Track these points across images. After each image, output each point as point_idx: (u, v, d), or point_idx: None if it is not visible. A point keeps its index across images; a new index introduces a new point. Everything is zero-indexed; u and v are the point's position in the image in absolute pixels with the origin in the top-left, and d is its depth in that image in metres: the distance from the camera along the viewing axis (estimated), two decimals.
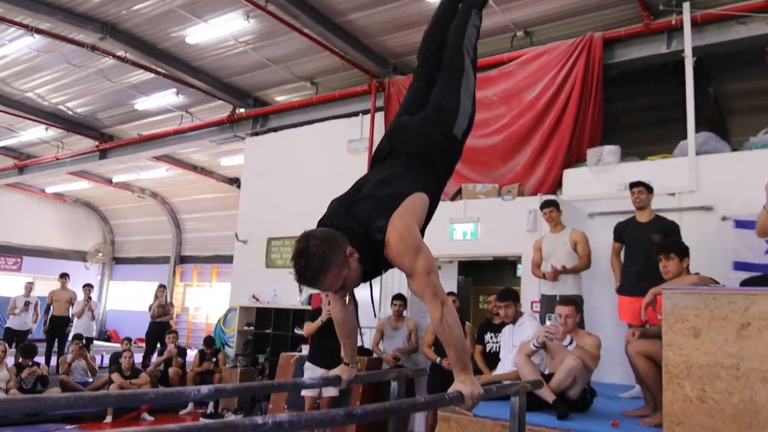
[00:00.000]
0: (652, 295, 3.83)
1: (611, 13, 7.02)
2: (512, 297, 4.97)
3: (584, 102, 6.99)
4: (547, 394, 3.87)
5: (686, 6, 6.39)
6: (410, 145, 2.40)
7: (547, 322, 4.03)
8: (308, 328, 6.10)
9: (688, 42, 6.32)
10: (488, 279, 9.44)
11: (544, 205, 5.82)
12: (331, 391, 5.63)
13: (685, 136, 6.35)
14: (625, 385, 5.35)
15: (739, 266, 5.43)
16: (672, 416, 3.24)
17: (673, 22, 6.54)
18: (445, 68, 2.65)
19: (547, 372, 4.32)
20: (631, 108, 8.35)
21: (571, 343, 4.00)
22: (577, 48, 7.01)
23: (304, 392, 5.90)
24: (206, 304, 17.62)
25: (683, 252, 3.98)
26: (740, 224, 5.56)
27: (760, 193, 3.96)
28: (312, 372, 5.79)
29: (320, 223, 2.13)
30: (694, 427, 3.16)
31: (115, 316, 19.57)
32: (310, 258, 1.91)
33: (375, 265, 2.10)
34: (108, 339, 18.01)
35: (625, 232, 5.41)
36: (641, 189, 5.31)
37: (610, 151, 6.70)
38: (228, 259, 15.82)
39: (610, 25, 7.07)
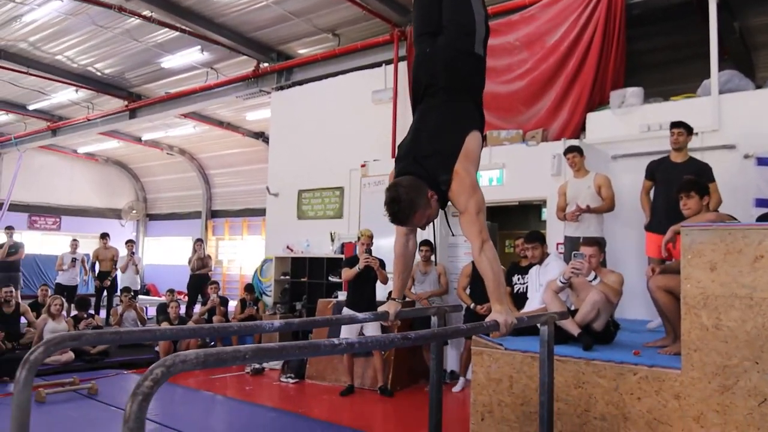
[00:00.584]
0: (672, 233, 4.04)
1: None
2: (539, 239, 5.21)
3: (607, 44, 7.03)
4: (572, 327, 4.16)
5: None
6: (445, 79, 2.59)
7: (573, 260, 4.27)
8: (346, 274, 6.46)
9: None
10: (514, 223, 9.68)
11: (568, 150, 5.97)
12: (370, 330, 6.02)
13: (709, 74, 6.39)
14: (648, 320, 5.61)
15: (761, 203, 5.58)
16: (690, 343, 3.51)
17: None
18: None
19: (573, 308, 4.60)
20: (655, 47, 8.29)
21: (595, 278, 4.26)
22: None
23: (343, 335, 6.33)
24: (239, 257, 18.24)
25: (703, 190, 4.16)
26: (762, 161, 5.68)
27: None
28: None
29: (398, 171, 2.49)
30: (710, 352, 3.42)
31: (152, 270, 20.36)
32: (402, 203, 2.32)
33: (443, 201, 2.50)
34: (147, 292, 18.81)
35: (657, 171, 5.52)
36: (681, 130, 5.38)
37: (633, 92, 6.78)
38: (258, 212, 16.34)
39: None
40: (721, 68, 6.42)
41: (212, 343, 8.90)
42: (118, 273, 10.74)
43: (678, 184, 5.14)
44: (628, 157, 6.62)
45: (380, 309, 2.77)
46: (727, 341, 3.37)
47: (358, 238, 6.82)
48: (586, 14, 7.05)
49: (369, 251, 6.55)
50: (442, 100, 2.57)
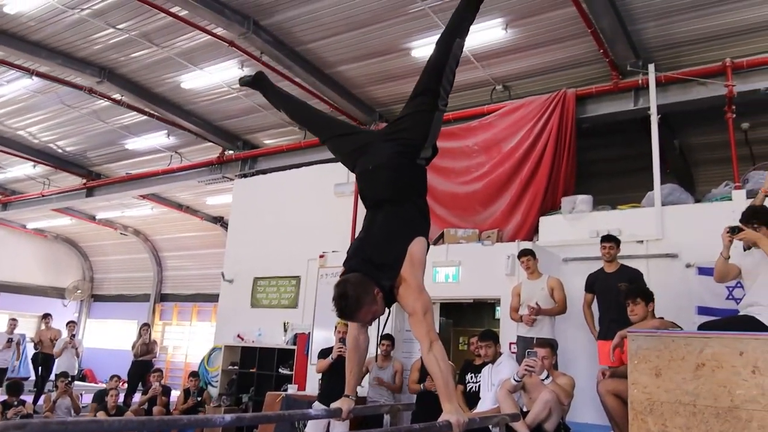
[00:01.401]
0: (619, 338, 4.20)
1: (584, 71, 7.59)
2: (492, 338, 5.30)
3: (559, 153, 7.49)
4: (522, 429, 4.17)
5: (651, 67, 6.98)
6: (390, 193, 2.75)
7: (526, 359, 4.35)
8: (320, 365, 6.40)
9: (653, 101, 6.88)
10: (468, 321, 9.74)
11: (522, 254, 6.19)
12: (339, 429, 5.87)
13: (652, 186, 6.84)
14: (599, 425, 5.64)
15: (702, 311, 5.84)
16: None
17: (640, 81, 7.11)
18: (422, 92, 2.89)
19: (525, 409, 4.63)
20: (603, 158, 8.88)
21: (547, 377, 4.33)
22: (552, 102, 7.54)
23: (309, 428, 6.16)
24: (185, 344, 17.58)
25: (648, 297, 4.37)
26: (703, 271, 5.99)
27: (720, 241, 4.35)
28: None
29: (348, 269, 2.60)
30: None
31: (92, 354, 19.32)
32: (349, 299, 2.43)
33: (391, 298, 2.60)
34: (83, 378, 17.80)
35: (596, 284, 5.85)
36: (612, 245, 5.79)
37: (583, 200, 7.16)
38: (209, 298, 15.97)
39: (582, 82, 7.64)
40: (663, 181, 6.90)
41: None
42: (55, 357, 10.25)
43: (614, 292, 5.40)
44: (579, 260, 6.88)
45: (333, 405, 2.76)
46: None
47: (336, 327, 6.73)
48: (540, 124, 7.54)
49: (343, 341, 6.50)
50: (387, 210, 2.73)
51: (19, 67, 8.63)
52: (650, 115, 6.88)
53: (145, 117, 10.11)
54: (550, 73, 7.73)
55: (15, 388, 7.82)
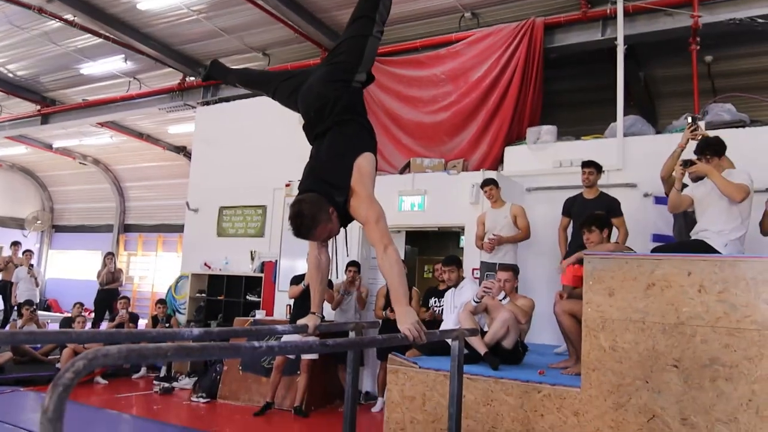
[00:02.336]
0: (575, 258, 4.37)
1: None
2: (455, 262, 5.45)
3: (525, 83, 7.49)
4: (480, 346, 4.37)
5: None
6: (331, 115, 2.79)
7: (484, 281, 4.51)
8: (292, 291, 6.61)
9: (620, 31, 6.86)
10: (433, 249, 9.95)
11: (484, 183, 6.27)
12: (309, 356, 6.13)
13: (615, 118, 6.93)
14: (556, 345, 5.94)
15: (657, 238, 6.08)
16: (588, 363, 3.78)
17: (608, 11, 7.08)
18: (358, 17, 2.98)
19: (486, 330, 4.83)
20: (569, 88, 8.91)
21: (504, 298, 4.52)
22: (520, 31, 7.47)
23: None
24: (151, 274, 17.57)
25: (602, 225, 4.52)
26: (659, 200, 6.19)
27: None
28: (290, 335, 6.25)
29: (302, 189, 2.67)
30: (606, 371, 3.70)
31: (55, 284, 19.23)
32: (305, 218, 2.49)
33: (344, 218, 2.66)
34: (48, 308, 17.72)
35: (573, 208, 5.93)
36: (592, 170, 5.83)
37: (548, 130, 7.24)
38: (174, 228, 15.87)
39: (551, 10, 7.57)
40: (626, 113, 6.99)
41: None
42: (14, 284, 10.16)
43: None
44: (542, 190, 7.04)
45: (299, 322, 2.84)
46: (621, 362, 3.66)
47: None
48: (508, 54, 7.49)
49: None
50: (330, 133, 2.79)
51: None
52: (617, 46, 6.88)
53: (100, 40, 9.65)
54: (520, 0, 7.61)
55: None
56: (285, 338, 5.88)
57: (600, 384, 3.71)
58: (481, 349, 4.44)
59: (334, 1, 8.16)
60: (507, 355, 4.51)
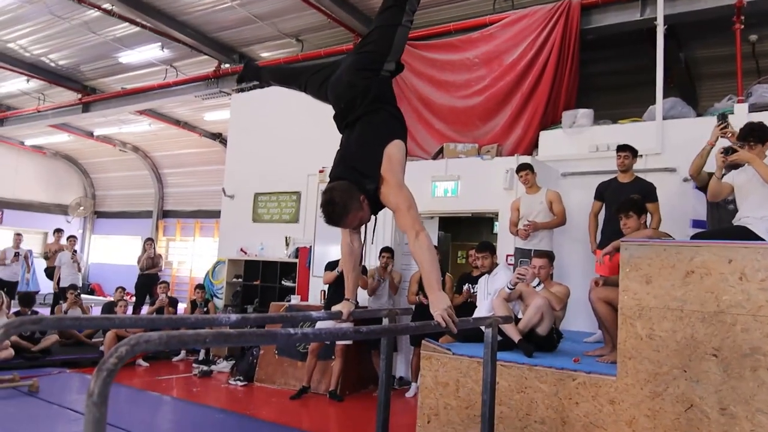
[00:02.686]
0: (612, 247, 4.30)
1: None
2: (489, 248, 5.43)
3: (561, 66, 7.35)
4: (513, 333, 4.35)
5: None
6: (358, 102, 2.80)
7: (518, 267, 4.48)
8: (327, 276, 6.72)
9: (660, 10, 6.66)
10: (467, 235, 9.92)
11: (520, 168, 6.20)
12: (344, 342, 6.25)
13: (654, 101, 6.76)
14: (591, 332, 5.87)
15: (696, 224, 5.91)
16: (625, 352, 3.73)
17: None
18: (389, 6, 2.96)
19: (520, 317, 4.81)
20: (606, 71, 8.71)
21: (538, 284, 4.48)
22: (556, 13, 7.31)
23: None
24: (189, 259, 17.96)
25: (640, 210, 4.43)
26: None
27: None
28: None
29: (333, 177, 2.71)
30: (643, 360, 3.65)
31: (98, 269, 19.83)
32: (336, 205, 2.52)
33: (375, 205, 2.68)
34: (91, 292, 18.30)
35: (606, 192, 5.80)
36: (627, 154, 5.68)
37: (584, 114, 7.10)
38: (211, 214, 16.16)
39: None
40: (665, 95, 6.80)
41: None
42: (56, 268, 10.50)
43: None
44: (577, 175, 6.92)
45: (334, 308, 2.88)
46: (658, 350, 3.61)
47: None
48: (543, 36, 7.35)
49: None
50: (360, 123, 2.80)
51: None
52: (656, 26, 6.68)
53: (138, 28, 9.83)
54: None
55: (27, 299, 8.07)
56: (319, 324, 5.97)
57: (636, 372, 3.66)
58: (515, 337, 4.43)
59: None
60: (541, 342, 4.48)
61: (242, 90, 10.66)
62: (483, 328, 2.88)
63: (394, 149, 2.67)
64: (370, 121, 2.76)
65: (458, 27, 8.17)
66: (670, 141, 6.55)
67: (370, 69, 2.86)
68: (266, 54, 10.55)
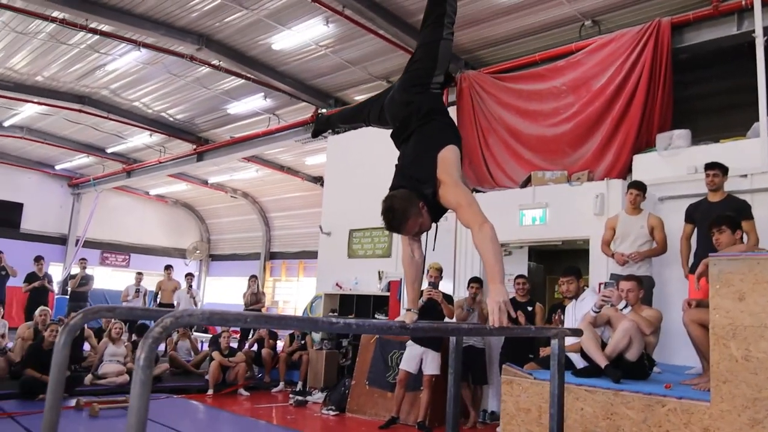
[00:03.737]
0: (704, 266, 4.01)
1: None
2: (574, 273, 5.23)
3: (653, 87, 7.06)
4: (600, 358, 4.14)
5: None
6: (415, 120, 2.88)
7: (603, 289, 4.29)
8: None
9: (758, 22, 6.27)
10: (562, 267, 9.56)
11: (632, 185, 5.93)
12: (430, 359, 6.32)
13: (758, 119, 6.30)
14: (691, 366, 5.43)
15: None
16: (719, 375, 3.45)
17: (743, 2, 6.50)
18: (429, 23, 3.04)
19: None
20: (702, 93, 8.24)
21: (626, 306, 4.25)
22: (645, 34, 7.08)
23: (402, 366, 6.52)
24: (294, 298, 18.61)
25: (735, 225, 4.12)
26: None
27: None
28: (412, 349, 6.52)
29: (392, 187, 2.77)
30: (739, 383, 3.36)
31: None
32: (396, 212, 2.58)
33: (436, 212, 2.73)
34: (205, 331, 19.31)
35: (696, 213, 5.48)
36: (717, 172, 5.36)
37: (680, 134, 6.74)
38: (314, 255, 16.64)
39: (678, 9, 7.10)
40: None
41: (260, 376, 9.14)
42: (174, 304, 11.21)
43: None
44: (676, 198, 6.52)
45: (397, 320, 2.91)
46: (757, 372, 3.31)
47: (427, 271, 6.94)
48: (633, 58, 7.13)
49: (434, 285, 6.75)
50: (416, 132, 2.87)
51: (128, 40, 9.35)
52: (755, 38, 6.30)
53: (243, 81, 10.63)
54: (643, 2, 7.24)
55: (143, 329, 8.72)
56: (408, 346, 6.00)
57: (733, 397, 3.37)
58: (602, 362, 4.22)
59: None
60: (631, 368, 4.23)
61: (338, 132, 11.14)
62: (552, 340, 2.79)
63: (447, 153, 2.72)
64: (424, 132, 2.84)
65: (544, 57, 8.12)
66: None
67: (420, 84, 2.95)
68: (359, 97, 10.99)
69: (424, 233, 2.89)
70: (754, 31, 6.31)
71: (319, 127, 3.92)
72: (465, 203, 2.57)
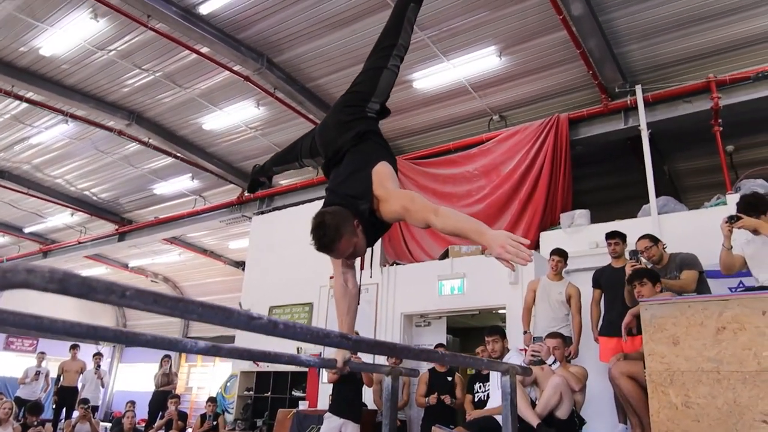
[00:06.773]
0: (630, 316, 3.69)
1: (575, 97, 7.32)
2: (499, 332, 4.76)
3: (555, 172, 7.12)
4: (532, 417, 3.62)
5: (638, 88, 6.69)
6: (346, 143, 2.45)
7: (531, 345, 3.84)
8: (331, 375, 5.81)
9: (642, 118, 6.55)
10: (477, 342, 9.11)
11: (554, 252, 5.68)
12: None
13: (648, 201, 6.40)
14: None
15: None
16: (659, 424, 3.01)
17: (628, 102, 6.81)
18: (377, 51, 2.67)
19: (537, 402, 4.06)
20: (597, 186, 8.48)
21: (555, 362, 3.80)
22: (546, 126, 7.24)
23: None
24: (209, 383, 16.85)
25: (654, 277, 3.87)
26: (708, 275, 5.45)
27: (718, 246, 3.90)
28: (330, 421, 5.57)
29: (326, 204, 2.27)
30: None
31: (123, 396, 18.55)
32: (327, 229, 2.07)
33: (374, 233, 2.26)
34: (112, 420, 16.97)
35: (602, 278, 5.32)
36: (617, 240, 5.28)
37: (581, 214, 6.73)
38: (232, 339, 15.37)
39: (574, 106, 7.36)
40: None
41: None
42: (79, 387, 9.58)
43: (621, 288, 4.84)
44: (580, 271, 6.36)
45: (328, 356, 2.30)
46: (698, 420, 2.89)
47: None
48: (536, 146, 7.22)
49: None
50: (348, 152, 2.43)
51: (56, 110, 8.52)
52: (641, 131, 6.53)
53: (171, 160, 9.94)
54: (544, 100, 7.47)
55: (35, 409, 7.28)
56: (325, 418, 5.21)
57: None
58: (534, 421, 3.68)
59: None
60: (562, 426, 3.72)
61: (262, 213, 10.54)
62: (500, 375, 2.26)
63: (382, 167, 2.27)
64: (357, 150, 2.39)
65: (457, 145, 8.11)
66: (667, 235, 6.04)
67: (356, 106, 2.54)
68: (284, 181, 10.54)
69: (358, 258, 2.38)
70: (639, 126, 6.55)
71: (255, 176, 3.30)
72: (409, 204, 2.10)
